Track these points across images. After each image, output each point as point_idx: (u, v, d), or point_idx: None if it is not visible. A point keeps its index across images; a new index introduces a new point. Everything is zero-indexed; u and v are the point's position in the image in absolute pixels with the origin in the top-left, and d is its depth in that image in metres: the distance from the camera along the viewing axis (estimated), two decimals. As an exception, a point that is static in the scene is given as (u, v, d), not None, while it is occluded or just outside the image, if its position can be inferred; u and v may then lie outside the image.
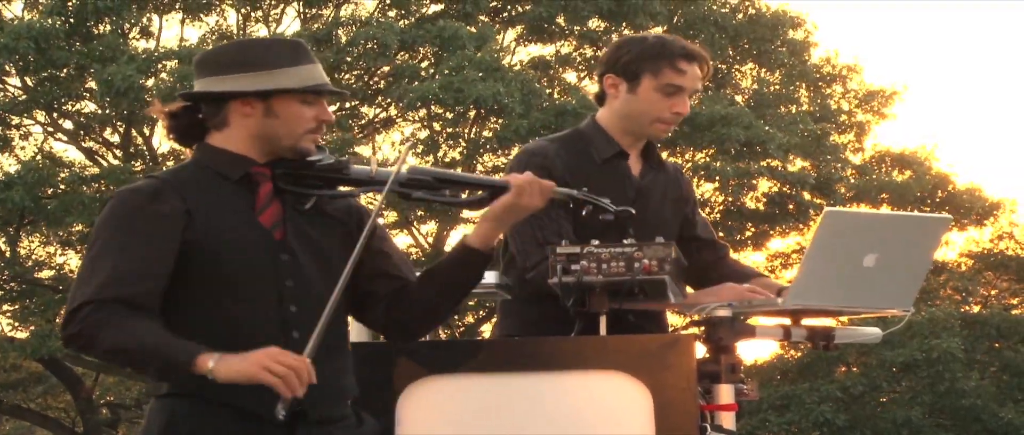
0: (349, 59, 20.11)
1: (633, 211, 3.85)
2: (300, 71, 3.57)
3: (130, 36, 20.57)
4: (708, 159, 21.27)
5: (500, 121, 19.66)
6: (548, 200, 3.65)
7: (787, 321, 4.21)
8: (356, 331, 3.93)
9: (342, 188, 3.64)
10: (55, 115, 21.32)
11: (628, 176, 4.49)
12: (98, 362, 22.69)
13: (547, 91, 20.80)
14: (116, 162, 21.03)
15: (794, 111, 23.45)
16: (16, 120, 21.00)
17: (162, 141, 21.39)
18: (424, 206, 19.94)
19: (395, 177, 3.58)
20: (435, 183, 3.67)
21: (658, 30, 21.92)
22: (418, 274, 3.73)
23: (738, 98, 23.11)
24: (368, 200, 4.20)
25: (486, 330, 21.21)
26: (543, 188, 3.63)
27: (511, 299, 4.43)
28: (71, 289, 3.45)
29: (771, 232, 23.49)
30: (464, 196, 3.72)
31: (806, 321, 4.23)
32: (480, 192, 3.68)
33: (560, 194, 3.70)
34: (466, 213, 20.35)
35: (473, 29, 20.16)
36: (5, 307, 22.33)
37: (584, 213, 3.78)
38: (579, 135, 4.55)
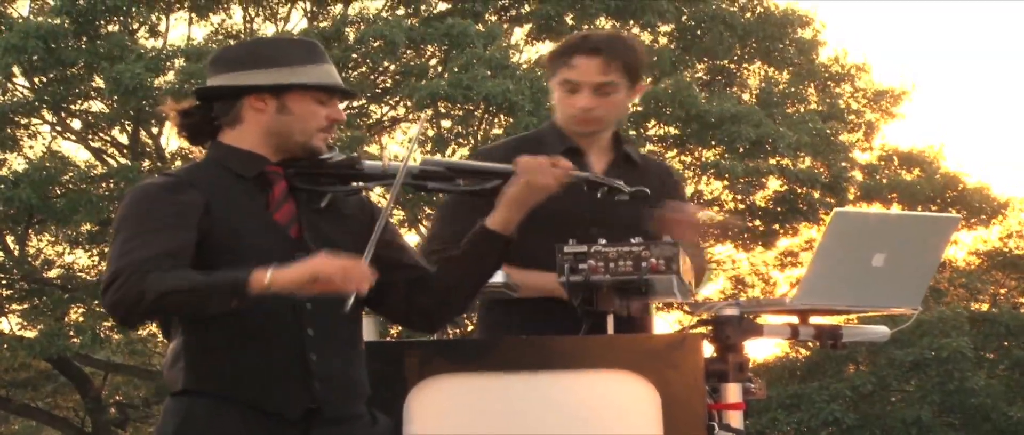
0: (356, 57, 20.08)
1: (648, 191, 3.87)
2: (316, 69, 3.59)
3: (137, 35, 20.56)
4: (718, 157, 21.24)
5: (509, 119, 19.64)
6: (562, 181, 3.67)
7: (795, 320, 4.21)
8: (366, 329, 3.92)
9: (356, 184, 3.65)
10: (63, 115, 21.31)
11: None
12: (107, 367, 22.72)
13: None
14: (124, 161, 21.01)
15: (802, 110, 23.41)
16: (24, 120, 20.98)
17: (170, 140, 21.41)
18: (433, 202, 19.94)
19: (406, 169, 3.60)
20: (448, 173, 3.70)
21: (666, 29, 21.92)
22: (437, 263, 3.73)
23: (746, 96, 23.07)
24: (381, 195, 4.19)
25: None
26: (548, 168, 3.65)
27: (483, 303, 4.42)
28: (105, 270, 3.42)
29: (780, 230, 23.45)
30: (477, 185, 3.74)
31: (814, 319, 4.23)
32: (492, 182, 3.69)
33: (574, 177, 3.72)
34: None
35: (481, 27, 20.13)
36: (14, 306, 22.33)
37: (599, 195, 3.80)
38: (536, 135, 4.60)
